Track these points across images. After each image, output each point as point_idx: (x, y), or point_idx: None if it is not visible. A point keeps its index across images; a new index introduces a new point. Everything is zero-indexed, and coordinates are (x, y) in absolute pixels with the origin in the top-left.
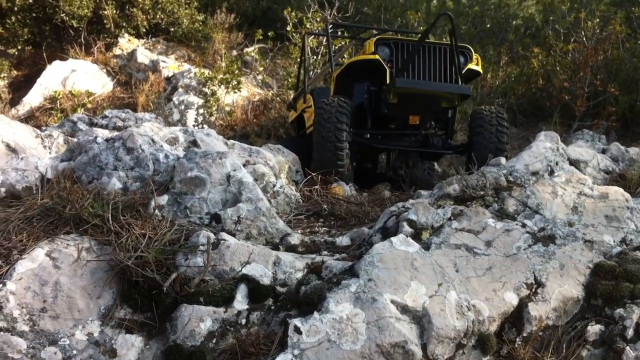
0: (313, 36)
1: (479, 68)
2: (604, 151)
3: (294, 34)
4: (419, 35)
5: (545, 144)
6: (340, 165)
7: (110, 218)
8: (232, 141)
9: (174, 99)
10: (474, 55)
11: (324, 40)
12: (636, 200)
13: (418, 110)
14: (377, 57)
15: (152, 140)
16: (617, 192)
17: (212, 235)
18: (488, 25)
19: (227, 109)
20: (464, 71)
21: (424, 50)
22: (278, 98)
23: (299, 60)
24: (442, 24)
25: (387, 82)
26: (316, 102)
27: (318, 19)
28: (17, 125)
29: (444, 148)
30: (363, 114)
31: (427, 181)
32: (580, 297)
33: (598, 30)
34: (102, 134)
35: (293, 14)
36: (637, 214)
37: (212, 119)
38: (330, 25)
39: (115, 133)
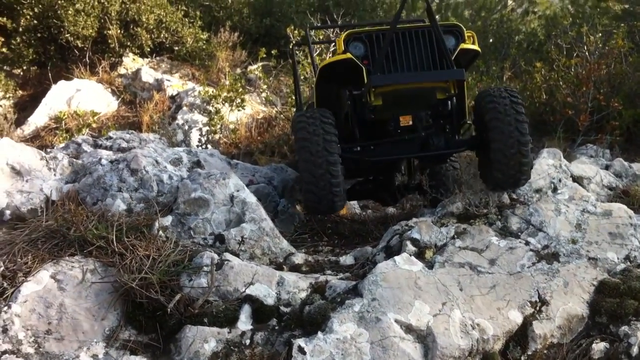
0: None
1: (475, 46)
2: (607, 167)
3: (296, 52)
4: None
5: (548, 160)
6: (338, 203)
7: (114, 239)
8: (236, 161)
9: (179, 117)
10: (467, 33)
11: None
12: (638, 217)
13: (408, 109)
14: (349, 55)
15: (156, 161)
16: (620, 209)
17: (215, 256)
18: (491, 40)
19: (231, 126)
20: (456, 53)
21: (403, 37)
22: (282, 115)
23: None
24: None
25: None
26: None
27: (321, 36)
28: (22, 147)
29: (450, 147)
30: (350, 123)
31: (446, 188)
32: (584, 315)
33: (601, 45)
34: (107, 155)
35: (296, 31)
36: None
37: (217, 137)
38: (311, 31)
39: (120, 154)
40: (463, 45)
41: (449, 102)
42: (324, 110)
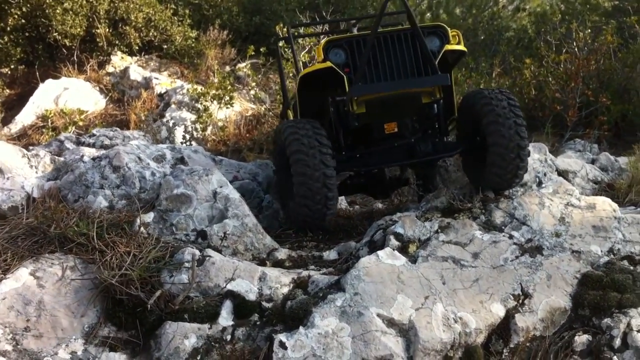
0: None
1: (461, 47)
2: (593, 161)
3: (286, 49)
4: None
5: (533, 155)
6: (329, 217)
7: (95, 236)
8: (221, 157)
9: (167, 115)
10: (452, 32)
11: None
12: (624, 210)
13: (392, 116)
14: (328, 64)
15: (139, 158)
16: (604, 202)
17: (197, 252)
18: (482, 38)
19: (220, 124)
20: (440, 55)
21: (385, 42)
22: (271, 112)
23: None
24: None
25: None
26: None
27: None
28: (3, 145)
29: (438, 151)
30: (334, 131)
31: (436, 183)
32: (567, 308)
33: (590, 41)
34: (89, 152)
35: (285, 29)
36: (624, 223)
37: (205, 134)
38: (293, 29)
39: (102, 151)
40: (448, 47)
41: (435, 105)
42: (313, 122)
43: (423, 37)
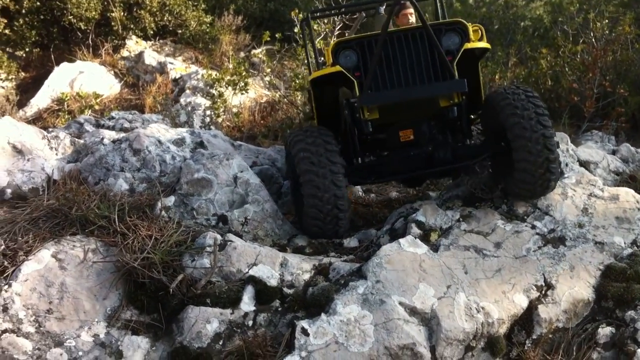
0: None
1: (483, 44)
2: (614, 152)
3: (300, 35)
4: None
5: None
6: (342, 232)
7: (116, 219)
8: (239, 142)
9: (181, 100)
10: (473, 28)
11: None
12: None
13: (407, 122)
14: (338, 68)
15: (159, 141)
16: (627, 194)
17: (218, 237)
18: (496, 27)
19: (235, 110)
20: (459, 54)
21: (398, 42)
22: (285, 99)
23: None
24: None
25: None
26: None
27: (325, 20)
28: (23, 126)
29: (459, 159)
30: (350, 135)
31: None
32: (590, 299)
33: (607, 31)
34: (109, 135)
35: (300, 15)
36: None
37: (219, 120)
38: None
39: (122, 134)
40: (468, 45)
41: (454, 108)
42: (325, 133)
43: (436, 38)
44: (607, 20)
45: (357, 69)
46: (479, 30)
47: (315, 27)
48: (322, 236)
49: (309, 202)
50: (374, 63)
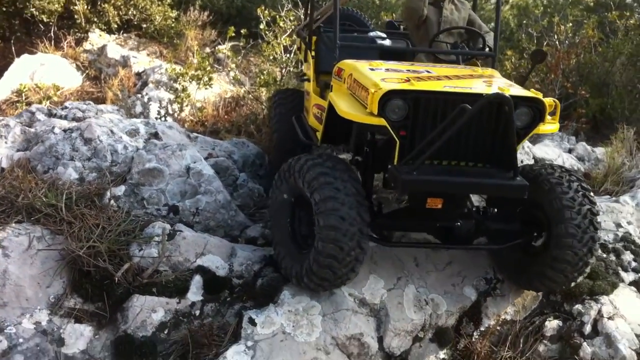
0: None
1: (555, 125)
2: (570, 150)
3: (266, 32)
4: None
5: None
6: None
7: (63, 208)
8: (195, 134)
9: (144, 93)
10: (548, 102)
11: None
12: (599, 199)
13: (441, 193)
14: (382, 122)
15: (111, 131)
16: None
17: (167, 226)
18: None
19: (198, 105)
20: (526, 137)
21: (460, 108)
22: (250, 95)
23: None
24: None
25: (395, 161)
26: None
27: (292, 18)
28: None
29: (489, 237)
30: (364, 172)
31: None
32: (539, 293)
33: (571, 35)
34: (60, 124)
35: (267, 12)
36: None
37: (183, 114)
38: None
39: (74, 123)
40: (541, 129)
41: None
42: (341, 160)
43: (514, 121)
44: (571, 24)
45: (404, 126)
46: (554, 106)
47: (281, 24)
48: (330, 282)
49: (328, 236)
50: (435, 140)
